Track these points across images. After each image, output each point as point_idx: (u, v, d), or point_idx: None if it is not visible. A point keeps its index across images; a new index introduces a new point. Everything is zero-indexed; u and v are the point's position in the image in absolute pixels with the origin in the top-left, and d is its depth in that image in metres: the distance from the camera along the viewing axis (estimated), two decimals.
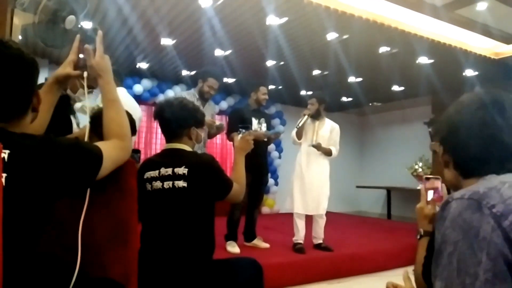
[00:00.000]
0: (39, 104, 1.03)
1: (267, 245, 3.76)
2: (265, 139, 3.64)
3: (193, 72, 5.35)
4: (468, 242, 0.68)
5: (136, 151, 2.15)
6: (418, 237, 1.26)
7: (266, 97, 3.79)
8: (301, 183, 3.72)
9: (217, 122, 3.41)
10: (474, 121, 0.84)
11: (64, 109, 2.09)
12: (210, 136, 3.48)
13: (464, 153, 0.87)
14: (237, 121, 3.50)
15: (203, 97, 3.41)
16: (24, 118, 1.01)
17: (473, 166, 0.86)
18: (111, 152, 1.12)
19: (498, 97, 0.85)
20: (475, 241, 0.67)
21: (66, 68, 1.26)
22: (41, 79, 1.23)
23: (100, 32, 1.27)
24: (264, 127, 3.74)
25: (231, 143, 3.96)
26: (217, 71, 3.54)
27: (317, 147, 3.69)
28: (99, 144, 1.11)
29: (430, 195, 1.27)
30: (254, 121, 3.69)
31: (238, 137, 1.98)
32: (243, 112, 3.75)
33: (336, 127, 3.86)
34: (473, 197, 0.72)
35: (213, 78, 3.40)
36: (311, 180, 3.72)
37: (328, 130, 3.81)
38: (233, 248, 3.55)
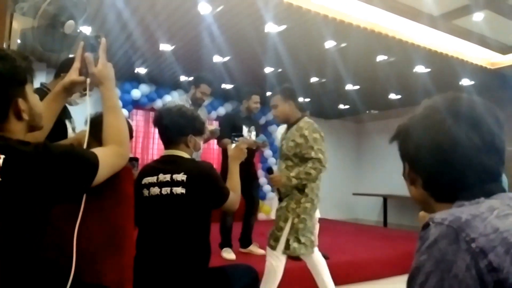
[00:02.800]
0: (22, 112, 1.01)
1: (263, 252, 3.72)
2: (254, 147, 3.64)
3: (191, 78, 5.37)
4: (439, 275, 0.60)
5: (134, 159, 2.14)
6: None
7: (258, 106, 3.75)
8: None
9: (212, 127, 3.40)
10: (448, 141, 0.71)
11: (59, 113, 2.09)
12: (204, 140, 3.48)
13: (437, 176, 0.75)
14: (228, 127, 3.50)
15: (196, 103, 3.39)
16: (7, 124, 1.00)
17: (448, 190, 0.74)
18: (108, 158, 1.12)
19: (472, 109, 0.73)
20: (446, 277, 0.59)
21: (71, 75, 1.28)
22: (36, 84, 1.23)
23: (103, 40, 1.28)
24: (253, 135, 3.73)
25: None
26: (209, 77, 3.50)
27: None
28: (96, 150, 1.11)
29: None
30: (245, 129, 3.66)
31: (232, 146, 1.98)
32: (234, 118, 3.75)
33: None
34: (453, 225, 0.62)
35: (206, 84, 3.38)
36: None
37: None
38: (229, 254, 3.53)
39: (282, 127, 3.89)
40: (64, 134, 2.17)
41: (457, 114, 0.73)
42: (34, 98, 1.06)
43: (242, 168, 3.49)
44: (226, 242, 3.65)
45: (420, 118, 0.78)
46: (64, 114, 2.21)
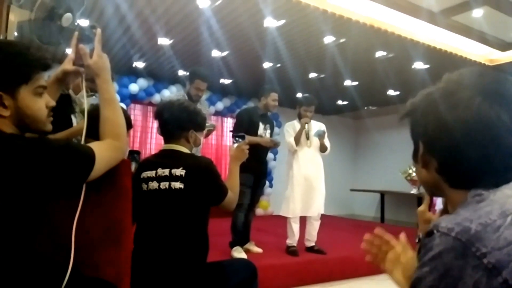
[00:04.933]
0: (3, 108, 0.99)
1: (259, 250, 3.69)
2: (268, 146, 3.66)
3: (189, 72, 5.35)
4: None
5: (136, 152, 2.13)
6: (417, 240, 1.25)
7: (276, 103, 3.71)
8: (302, 187, 3.70)
9: (208, 123, 3.38)
10: (476, 120, 0.63)
11: (65, 108, 2.08)
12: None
13: (457, 160, 0.67)
14: (246, 123, 3.51)
15: (192, 99, 3.34)
16: None
17: (467, 176, 0.67)
18: (105, 152, 1.11)
19: (502, 85, 0.66)
20: None
21: (64, 65, 1.26)
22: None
23: (98, 31, 1.26)
24: (268, 133, 3.73)
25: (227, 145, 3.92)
26: (203, 72, 3.45)
27: (322, 135, 3.73)
28: (92, 144, 1.10)
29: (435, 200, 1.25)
30: (261, 126, 3.66)
31: (233, 146, 1.96)
32: (252, 114, 3.68)
33: (322, 125, 3.91)
34: (461, 238, 0.55)
35: (200, 80, 3.33)
36: (312, 181, 3.72)
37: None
38: (240, 254, 3.42)
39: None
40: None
41: (487, 92, 0.65)
42: (30, 100, 1.03)
43: (258, 166, 3.59)
44: (236, 241, 3.54)
45: (444, 94, 0.69)
46: (70, 109, 2.22)
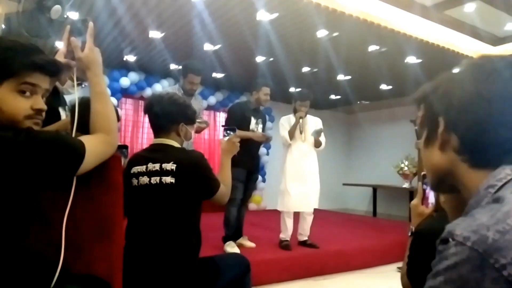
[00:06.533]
0: None
1: (252, 245, 3.69)
2: (261, 140, 3.66)
3: (181, 66, 5.30)
4: None
5: (124, 147, 2.11)
6: (410, 234, 1.25)
7: (268, 98, 3.70)
8: (297, 182, 3.69)
9: (201, 119, 3.35)
10: (506, 91, 0.61)
11: (52, 100, 2.03)
12: (195, 130, 3.44)
13: (484, 134, 0.63)
14: (237, 117, 3.50)
15: (187, 93, 3.33)
16: None
17: (492, 152, 0.62)
18: (95, 146, 1.10)
19: None
20: None
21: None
22: None
23: (91, 24, 1.24)
24: (260, 128, 3.72)
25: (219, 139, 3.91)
26: (196, 66, 3.42)
27: (319, 132, 3.72)
28: (83, 138, 1.09)
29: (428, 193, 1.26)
30: (253, 121, 3.65)
31: (224, 139, 1.95)
32: (244, 109, 3.68)
33: (318, 120, 3.91)
34: (478, 248, 0.51)
35: (193, 74, 3.32)
36: (306, 176, 3.72)
37: (313, 125, 3.84)
38: (233, 248, 3.42)
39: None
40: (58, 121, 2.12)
41: None
42: (8, 96, 0.98)
43: (251, 160, 3.60)
44: (229, 236, 3.54)
45: (469, 68, 0.67)
46: (58, 102, 2.18)
